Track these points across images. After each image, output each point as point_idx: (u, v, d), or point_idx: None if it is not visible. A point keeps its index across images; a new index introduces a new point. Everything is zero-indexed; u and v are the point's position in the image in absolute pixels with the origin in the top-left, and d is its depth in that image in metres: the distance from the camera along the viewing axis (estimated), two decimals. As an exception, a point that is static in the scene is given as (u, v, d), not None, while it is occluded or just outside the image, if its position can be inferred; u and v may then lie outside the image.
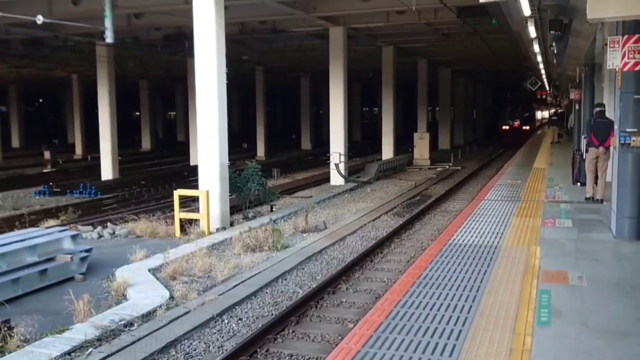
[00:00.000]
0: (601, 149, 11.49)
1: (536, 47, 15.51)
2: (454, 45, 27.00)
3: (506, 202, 12.32)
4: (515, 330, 5.25)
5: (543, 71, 27.22)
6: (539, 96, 47.31)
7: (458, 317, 5.57)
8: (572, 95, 24.52)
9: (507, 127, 42.86)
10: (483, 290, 6.38)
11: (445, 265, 7.39)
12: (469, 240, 8.83)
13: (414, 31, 23.55)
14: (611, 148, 10.71)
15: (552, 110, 49.89)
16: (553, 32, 10.57)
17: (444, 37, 24.61)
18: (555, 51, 15.52)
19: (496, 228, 9.69)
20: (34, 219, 15.78)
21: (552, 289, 6.38)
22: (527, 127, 44.03)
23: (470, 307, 5.86)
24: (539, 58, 19.66)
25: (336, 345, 5.78)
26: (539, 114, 59.79)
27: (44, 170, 31.02)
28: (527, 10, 9.73)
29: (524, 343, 4.96)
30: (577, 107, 22.29)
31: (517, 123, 43.06)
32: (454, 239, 8.89)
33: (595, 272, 7.04)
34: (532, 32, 12.27)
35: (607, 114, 11.81)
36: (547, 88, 40.42)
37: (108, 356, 6.70)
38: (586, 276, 6.83)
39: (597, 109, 12.23)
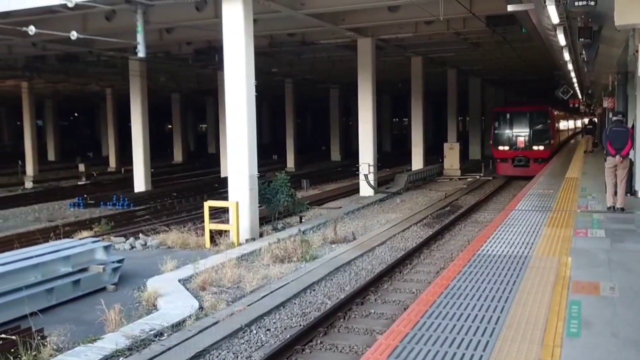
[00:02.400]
0: (618, 157, 11.35)
1: (566, 55, 15.33)
2: (484, 54, 26.85)
3: (537, 212, 12.16)
4: (544, 341, 5.18)
5: (575, 79, 26.84)
6: (571, 105, 42.38)
7: (485, 328, 5.52)
8: (605, 103, 24.14)
9: (506, 149, 26.50)
10: (511, 301, 6.31)
11: (474, 276, 7.32)
12: (498, 250, 8.74)
13: (443, 41, 23.49)
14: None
15: (587, 120, 47.08)
16: (582, 39, 10.45)
17: (474, 46, 24.50)
18: (585, 59, 15.32)
19: (526, 238, 9.57)
20: (69, 230, 16.11)
21: (583, 299, 6.27)
22: (541, 148, 26.25)
23: (498, 318, 5.79)
24: (570, 66, 19.41)
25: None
26: (564, 123, 36.61)
27: (79, 183, 31.64)
28: (555, 18, 9.64)
29: (552, 354, 4.89)
30: (610, 115, 21.92)
31: (521, 141, 26.32)
32: (483, 250, 8.81)
33: (628, 282, 6.90)
34: (561, 40, 12.15)
35: (640, 122, 11.62)
36: (580, 96, 39.72)
37: (138, 365, 6.81)
38: (618, 287, 6.70)
39: (615, 117, 12.10)
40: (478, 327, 5.55)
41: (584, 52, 14.39)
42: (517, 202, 13.92)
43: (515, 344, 5.13)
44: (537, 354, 4.90)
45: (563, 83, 30.19)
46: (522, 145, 26.18)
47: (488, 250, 8.79)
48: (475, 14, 16.57)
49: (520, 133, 26.41)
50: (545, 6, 8.79)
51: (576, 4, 7.60)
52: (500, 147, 26.67)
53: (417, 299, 6.71)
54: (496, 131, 27.02)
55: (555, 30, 11.10)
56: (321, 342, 7.75)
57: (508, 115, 27.11)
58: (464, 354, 4.95)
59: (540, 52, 23.07)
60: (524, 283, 6.97)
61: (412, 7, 16.81)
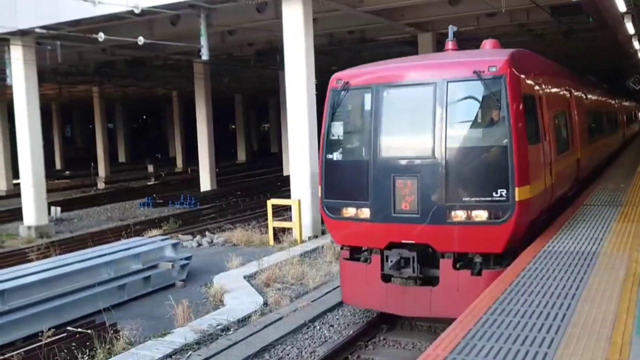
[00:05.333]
0: None
1: (636, 44, 14.76)
2: (549, 45, 26.04)
3: (607, 207, 11.75)
4: (612, 339, 5.04)
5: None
6: None
7: (551, 325, 5.42)
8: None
9: (361, 217, 7.57)
10: (578, 298, 6.16)
11: (539, 272, 7.18)
12: (564, 247, 8.52)
13: (506, 33, 22.95)
14: None
15: None
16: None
17: (538, 37, 23.84)
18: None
19: (595, 234, 9.28)
20: (139, 229, 16.72)
21: (655, 296, 6.06)
22: (479, 217, 7.48)
23: (564, 315, 5.67)
24: (641, 55, 18.66)
25: (425, 351, 5.77)
26: (590, 115, 14.09)
27: (148, 183, 32.70)
28: (622, 6, 9.32)
29: (620, 352, 4.76)
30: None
31: (408, 189, 7.30)
32: (549, 246, 8.61)
33: None
34: (629, 28, 11.71)
35: None
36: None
37: (206, 359, 7.02)
38: (693, 284, 6.44)
39: None
40: (543, 324, 5.46)
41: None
42: (585, 197, 13.50)
43: (582, 341, 5.02)
44: (604, 352, 4.79)
45: (635, 73, 29.03)
46: (408, 207, 7.42)
47: (554, 246, 8.59)
48: (539, 4, 16.15)
49: (406, 161, 7.59)
50: (612, -6, 8.53)
51: (644, -9, 7.34)
52: (346, 210, 7.84)
53: (480, 295, 6.64)
54: (329, 154, 8.18)
55: (623, 19, 10.72)
56: (384, 339, 7.78)
57: (367, 99, 8.46)
58: (528, 351, 4.88)
59: (609, 41, 22.29)
60: (591, 280, 6.79)
61: None
